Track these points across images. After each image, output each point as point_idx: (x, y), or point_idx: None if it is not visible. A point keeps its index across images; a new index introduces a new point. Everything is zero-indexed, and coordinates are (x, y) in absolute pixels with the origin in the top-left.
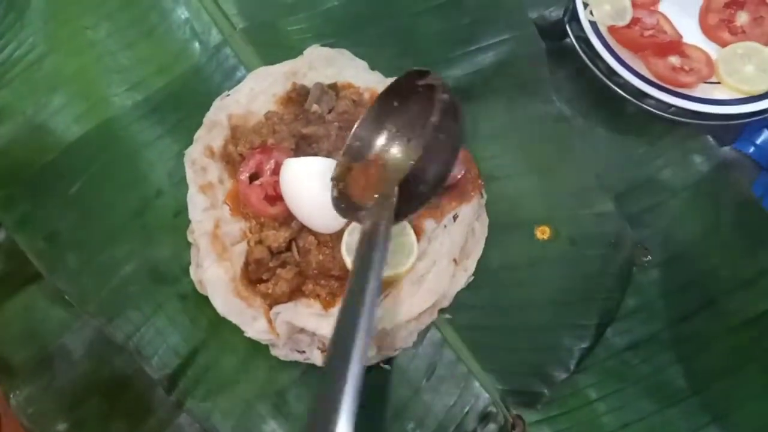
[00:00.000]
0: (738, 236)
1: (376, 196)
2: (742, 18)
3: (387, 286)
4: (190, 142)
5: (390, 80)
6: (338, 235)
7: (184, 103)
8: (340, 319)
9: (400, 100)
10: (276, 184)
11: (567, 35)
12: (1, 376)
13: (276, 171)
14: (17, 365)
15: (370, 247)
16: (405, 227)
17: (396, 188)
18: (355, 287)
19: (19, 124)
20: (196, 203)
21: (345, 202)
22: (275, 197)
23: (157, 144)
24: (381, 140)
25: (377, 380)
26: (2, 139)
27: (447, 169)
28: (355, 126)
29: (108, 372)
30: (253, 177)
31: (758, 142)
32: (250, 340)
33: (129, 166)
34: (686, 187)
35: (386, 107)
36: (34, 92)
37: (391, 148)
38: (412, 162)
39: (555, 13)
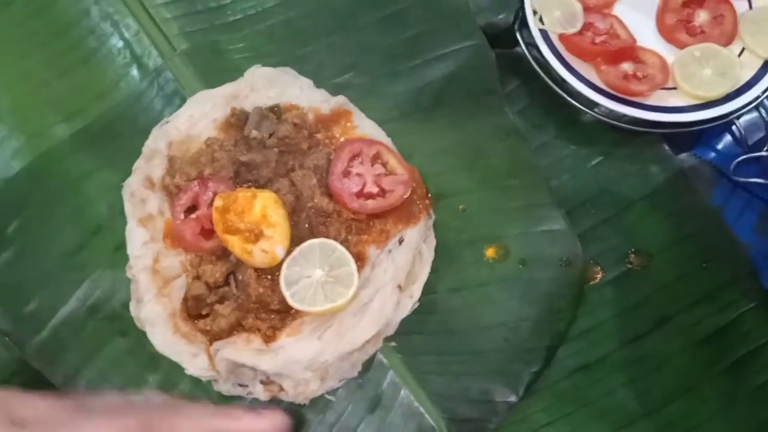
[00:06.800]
0: (694, 249)
1: None
2: (701, 17)
3: (328, 318)
4: (130, 173)
5: (335, 98)
6: (278, 268)
7: (124, 131)
8: None
9: None
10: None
11: (518, 43)
12: None
13: (213, 203)
14: None
15: None
16: (343, 257)
17: None
18: None
19: None
20: (135, 237)
21: None
22: (212, 231)
23: (96, 176)
24: None
25: (321, 412)
26: None
27: None
28: None
29: None
30: (191, 209)
31: (719, 147)
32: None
33: (66, 201)
34: (641, 198)
35: None
36: None
37: None
38: None
39: (505, 19)
